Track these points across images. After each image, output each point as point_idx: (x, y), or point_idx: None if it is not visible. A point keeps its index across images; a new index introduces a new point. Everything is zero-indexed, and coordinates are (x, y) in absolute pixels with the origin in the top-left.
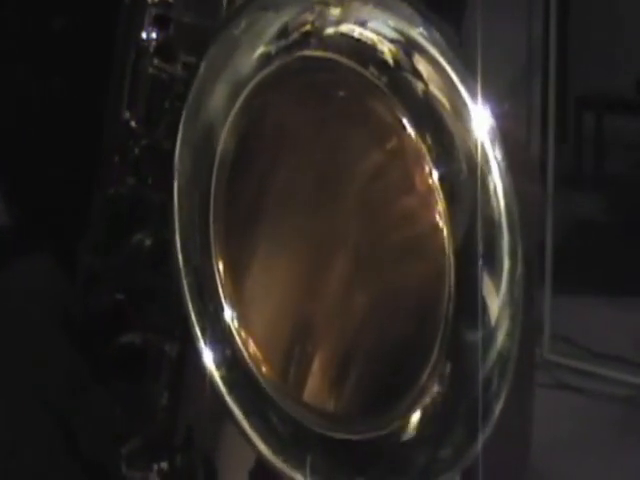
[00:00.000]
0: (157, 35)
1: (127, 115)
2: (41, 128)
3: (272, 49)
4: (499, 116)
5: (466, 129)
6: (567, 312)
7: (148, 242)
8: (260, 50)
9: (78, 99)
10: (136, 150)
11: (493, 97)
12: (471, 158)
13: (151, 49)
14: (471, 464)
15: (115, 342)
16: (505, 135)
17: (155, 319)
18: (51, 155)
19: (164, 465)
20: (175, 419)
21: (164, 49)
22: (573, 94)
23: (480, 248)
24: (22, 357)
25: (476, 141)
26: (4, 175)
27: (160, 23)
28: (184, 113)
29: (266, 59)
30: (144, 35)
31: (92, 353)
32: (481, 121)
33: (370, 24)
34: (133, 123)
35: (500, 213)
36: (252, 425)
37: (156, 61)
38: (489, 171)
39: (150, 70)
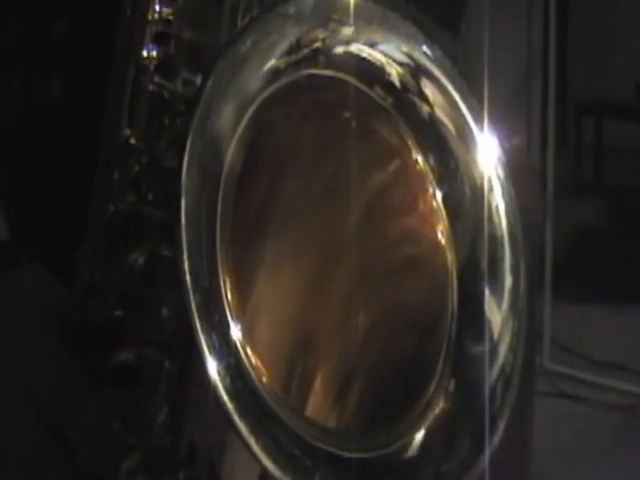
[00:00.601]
0: (157, 52)
1: (127, 132)
2: (39, 139)
3: (281, 64)
4: (503, 141)
5: (470, 152)
6: (567, 320)
7: (147, 258)
8: (269, 64)
9: (77, 112)
10: (136, 167)
11: (497, 123)
12: (473, 179)
13: (151, 66)
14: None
15: (113, 358)
16: (509, 158)
17: (155, 334)
18: (49, 166)
19: None
20: (177, 435)
21: (164, 66)
22: (573, 100)
23: (484, 265)
24: (17, 367)
25: (479, 164)
26: (1, 186)
27: (160, 40)
28: (191, 130)
29: (274, 74)
30: (144, 52)
31: (89, 366)
32: (487, 150)
33: (380, 46)
34: (133, 140)
35: (502, 231)
36: (258, 442)
37: (156, 78)
38: (491, 189)
39: (150, 87)
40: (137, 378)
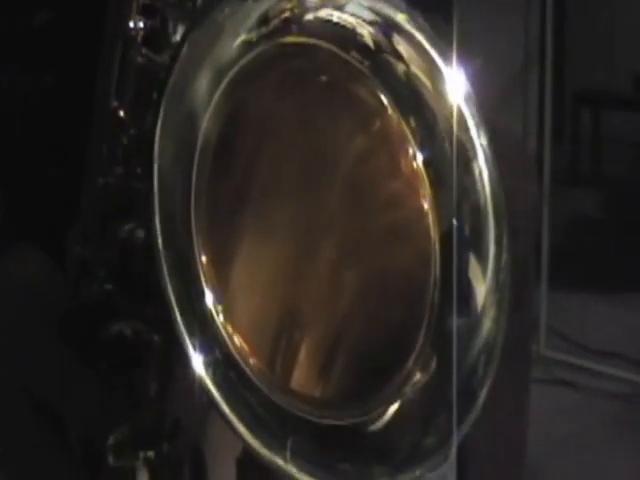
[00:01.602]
0: (145, 25)
1: (115, 104)
2: (29, 119)
3: (253, 36)
4: (474, 78)
5: (448, 107)
6: (563, 308)
7: (137, 232)
8: (242, 38)
9: (66, 89)
10: (124, 140)
11: (469, 62)
12: (453, 138)
13: (139, 39)
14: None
15: (104, 332)
16: (493, 124)
17: (144, 310)
18: (39, 145)
19: (151, 454)
20: (163, 409)
21: (152, 39)
22: (570, 90)
23: (467, 233)
24: (6, 344)
25: (453, 107)
26: None
27: (148, 13)
28: (165, 96)
29: (248, 46)
30: (132, 25)
31: (80, 342)
32: (456, 85)
33: (347, 8)
34: (122, 112)
35: (486, 199)
36: (238, 416)
37: (144, 51)
38: (475, 157)
39: (139, 60)
40: (128, 353)
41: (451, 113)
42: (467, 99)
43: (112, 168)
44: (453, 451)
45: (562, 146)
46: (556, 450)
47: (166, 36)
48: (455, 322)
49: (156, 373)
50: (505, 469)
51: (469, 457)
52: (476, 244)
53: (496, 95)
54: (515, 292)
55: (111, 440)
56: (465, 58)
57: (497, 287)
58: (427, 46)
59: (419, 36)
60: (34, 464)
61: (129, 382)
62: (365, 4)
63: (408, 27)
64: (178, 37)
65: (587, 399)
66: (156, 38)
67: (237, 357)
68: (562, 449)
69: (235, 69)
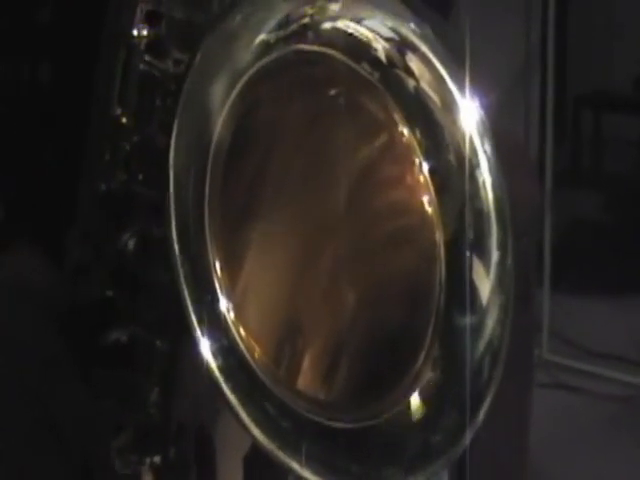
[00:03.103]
0: (148, 31)
1: (118, 111)
2: (28, 119)
3: (271, 38)
4: (487, 107)
5: (456, 124)
6: (566, 311)
7: (138, 238)
8: (260, 38)
9: (66, 91)
10: (127, 146)
11: (482, 90)
12: (460, 151)
13: (142, 46)
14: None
15: (104, 337)
16: (494, 126)
17: (146, 314)
18: (38, 146)
19: (157, 459)
20: (168, 413)
21: (155, 45)
22: (571, 92)
23: (469, 236)
24: (5, 347)
25: (464, 134)
26: None
27: (151, 19)
28: (180, 102)
29: (265, 48)
30: (135, 32)
31: (79, 345)
32: (469, 114)
33: (366, 22)
34: (124, 119)
35: (489, 206)
36: (248, 413)
37: (147, 57)
38: (478, 165)
39: (141, 66)
40: (129, 358)
41: (459, 133)
42: (478, 127)
43: (114, 174)
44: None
45: (563, 147)
46: (558, 453)
47: (169, 43)
48: (468, 319)
49: (159, 377)
50: (507, 472)
51: (471, 460)
52: (480, 248)
53: (498, 97)
54: (518, 295)
55: (116, 444)
56: (477, 86)
57: (501, 289)
58: (439, 66)
59: (432, 57)
60: (29, 466)
61: (131, 386)
62: (387, 23)
63: (423, 47)
64: (181, 44)
65: (589, 402)
66: (159, 45)
67: (249, 359)
68: (564, 452)
69: (250, 72)
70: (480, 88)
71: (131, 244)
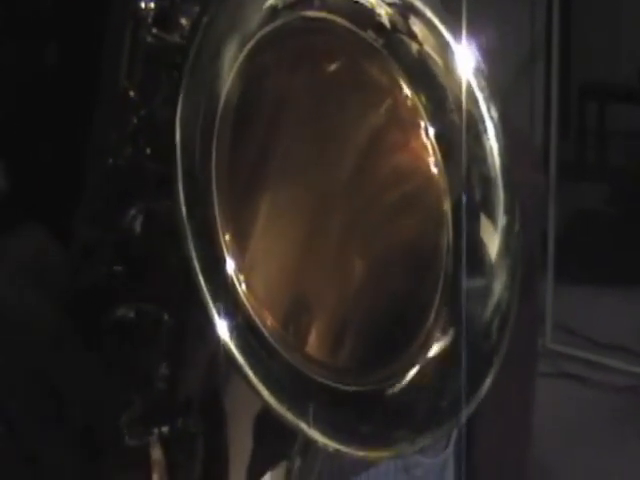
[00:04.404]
0: (155, 4)
1: (126, 85)
2: (35, 96)
3: (279, 3)
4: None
5: (459, 86)
6: (569, 301)
7: (146, 213)
8: (268, 3)
9: (73, 66)
10: (134, 120)
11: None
12: (465, 115)
13: (149, 18)
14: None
15: (112, 313)
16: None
17: (153, 289)
18: (44, 123)
19: (165, 429)
20: (175, 385)
21: (163, 18)
22: (576, 84)
23: (478, 203)
24: (13, 325)
25: (463, 83)
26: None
27: None
28: (190, 56)
29: (272, 13)
30: (142, 4)
31: (87, 322)
32: (466, 60)
33: None
34: (132, 93)
35: (496, 172)
36: (256, 374)
37: (155, 30)
38: (485, 130)
39: (149, 39)
40: (136, 333)
41: (461, 89)
42: (476, 73)
43: (121, 149)
44: (463, 419)
45: (568, 139)
46: (561, 441)
47: (176, 15)
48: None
49: (167, 351)
50: (510, 462)
51: (474, 449)
52: (487, 210)
53: (502, 89)
54: (523, 282)
55: (124, 418)
56: (474, 34)
57: (508, 252)
58: (440, 25)
59: (433, 17)
60: (39, 443)
61: (139, 361)
62: None
63: (424, 9)
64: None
65: (593, 392)
66: (166, 18)
67: (258, 323)
68: (568, 442)
69: (259, 35)
70: (478, 37)
71: (139, 219)
